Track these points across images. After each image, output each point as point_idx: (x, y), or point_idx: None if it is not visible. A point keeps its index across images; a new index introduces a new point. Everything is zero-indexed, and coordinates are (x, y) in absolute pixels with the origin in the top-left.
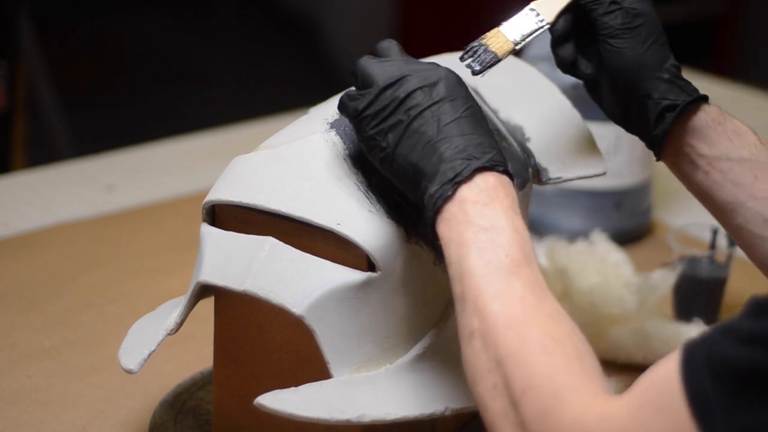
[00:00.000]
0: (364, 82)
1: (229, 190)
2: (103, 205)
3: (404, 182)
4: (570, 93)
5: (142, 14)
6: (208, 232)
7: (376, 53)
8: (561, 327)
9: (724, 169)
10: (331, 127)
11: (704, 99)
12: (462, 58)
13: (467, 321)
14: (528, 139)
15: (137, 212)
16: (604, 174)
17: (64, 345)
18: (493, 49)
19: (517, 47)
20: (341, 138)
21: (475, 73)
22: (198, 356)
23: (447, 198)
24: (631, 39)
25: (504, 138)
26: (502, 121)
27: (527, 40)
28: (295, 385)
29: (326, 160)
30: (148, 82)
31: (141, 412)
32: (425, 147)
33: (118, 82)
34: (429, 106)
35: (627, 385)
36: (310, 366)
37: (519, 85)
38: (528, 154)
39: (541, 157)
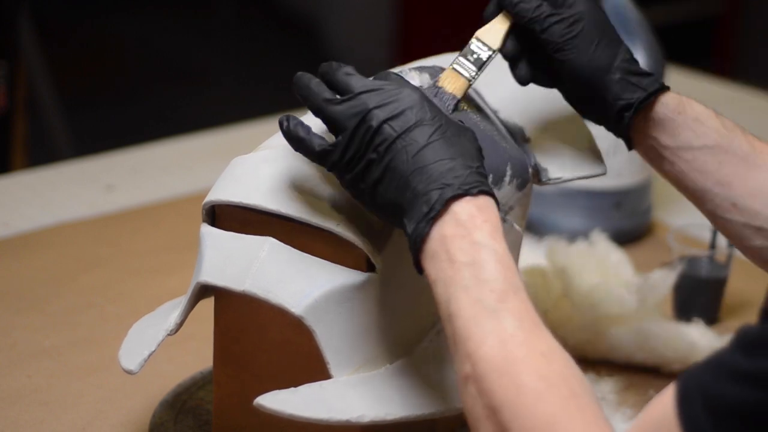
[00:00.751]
0: (332, 127)
1: (229, 190)
2: (103, 205)
3: (389, 218)
4: None
5: (142, 14)
6: (208, 232)
7: (328, 79)
8: (554, 365)
9: (689, 158)
10: None
11: (661, 90)
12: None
13: (460, 365)
14: (528, 140)
15: (137, 212)
16: (604, 174)
17: (64, 345)
18: (450, 91)
19: (472, 82)
20: None
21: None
22: (198, 356)
23: (425, 236)
24: (574, 49)
25: (504, 138)
26: (502, 122)
27: (480, 71)
28: (295, 386)
29: None
30: (148, 82)
31: (141, 412)
32: (399, 183)
33: (118, 82)
34: (396, 139)
35: (627, 385)
36: (309, 366)
37: (519, 86)
38: (528, 154)
39: (541, 157)
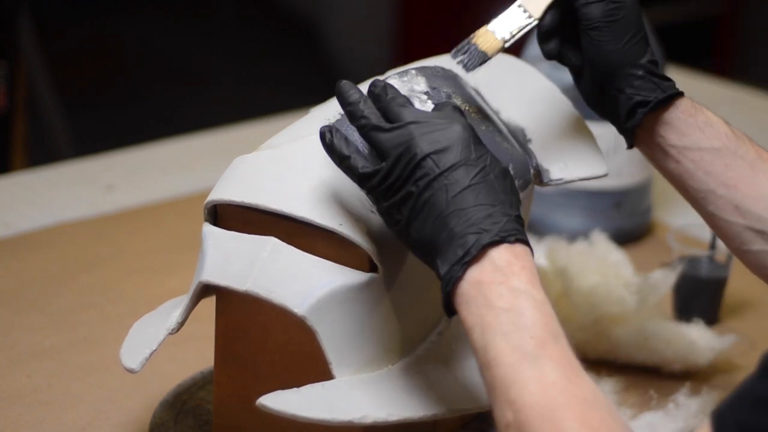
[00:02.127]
0: (378, 153)
1: (231, 189)
2: (103, 205)
3: (420, 255)
4: (570, 93)
5: (142, 14)
6: (210, 231)
7: (380, 105)
8: (597, 412)
9: (695, 158)
10: None
11: (679, 95)
12: (453, 57)
13: (501, 413)
14: (529, 140)
15: (137, 212)
16: (605, 175)
17: (64, 345)
18: (483, 48)
19: (506, 45)
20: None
21: (467, 71)
22: (198, 356)
23: (457, 279)
24: (610, 32)
25: (505, 139)
26: (503, 122)
27: (516, 37)
28: (297, 386)
29: (328, 160)
30: (148, 82)
31: (141, 412)
32: (435, 221)
33: (118, 82)
34: (438, 176)
35: (627, 385)
36: (312, 367)
37: (520, 86)
38: (529, 155)
39: (543, 158)
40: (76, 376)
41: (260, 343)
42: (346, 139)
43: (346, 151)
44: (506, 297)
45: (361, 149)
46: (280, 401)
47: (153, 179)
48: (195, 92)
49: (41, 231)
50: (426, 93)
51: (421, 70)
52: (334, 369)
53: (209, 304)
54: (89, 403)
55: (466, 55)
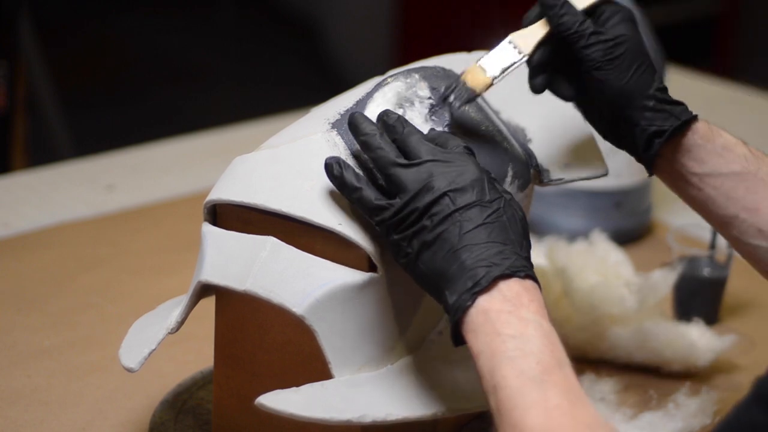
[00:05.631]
0: (393, 188)
1: (231, 189)
2: (103, 205)
3: (428, 287)
4: None
5: (142, 14)
6: (210, 231)
7: (396, 138)
8: None
9: (716, 184)
10: (333, 127)
11: (693, 119)
12: (444, 95)
13: None
14: (530, 141)
15: (137, 212)
16: (605, 175)
17: (64, 345)
18: (472, 86)
19: (496, 82)
20: (342, 138)
21: (455, 109)
22: (198, 356)
23: (466, 308)
24: (614, 70)
25: (506, 139)
26: (504, 122)
27: (505, 74)
28: (296, 386)
29: None
30: (148, 82)
31: (141, 412)
32: (447, 254)
33: (118, 82)
34: (452, 212)
35: (627, 385)
36: (311, 366)
37: (521, 87)
38: (529, 155)
39: (543, 158)
40: (76, 376)
41: (259, 343)
42: (354, 170)
43: (356, 183)
44: (514, 325)
45: (359, 172)
46: (278, 400)
47: (153, 179)
48: (195, 92)
49: (41, 231)
50: (429, 98)
51: (422, 70)
52: (333, 369)
53: (209, 304)
54: (89, 403)
55: (455, 92)
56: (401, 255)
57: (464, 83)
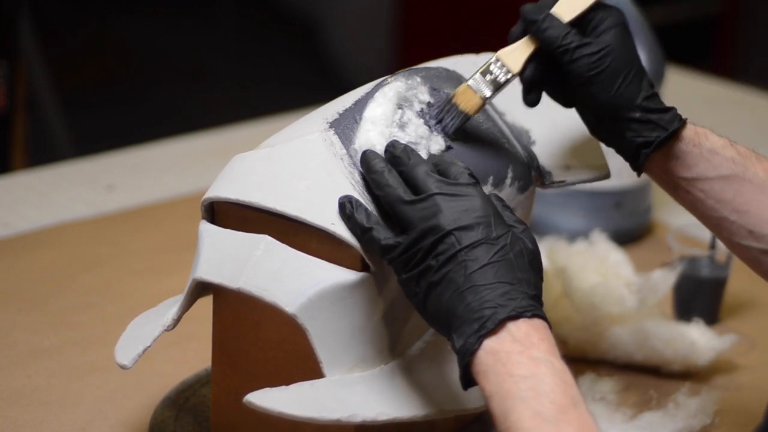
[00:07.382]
0: (401, 224)
1: (227, 187)
2: (103, 205)
3: (437, 328)
4: None
5: (142, 14)
6: (207, 229)
7: (403, 170)
8: None
9: (705, 188)
10: (330, 126)
11: (681, 127)
12: (437, 119)
13: None
14: (533, 143)
15: (137, 212)
16: (607, 178)
17: (64, 345)
18: (464, 108)
19: (486, 102)
20: (339, 137)
21: (449, 133)
22: (199, 356)
23: (474, 351)
24: (600, 84)
25: (507, 140)
26: (508, 124)
27: (496, 93)
28: (289, 384)
29: (323, 159)
30: (148, 82)
31: (141, 412)
32: (452, 295)
33: (118, 82)
34: (458, 252)
35: (627, 385)
36: (304, 365)
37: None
38: (532, 157)
39: (545, 160)
40: (75, 376)
41: (253, 341)
42: (366, 210)
43: (366, 223)
44: (526, 365)
45: (371, 209)
46: (267, 399)
47: (153, 179)
48: (195, 92)
49: (41, 231)
50: (428, 103)
51: (424, 71)
52: (325, 368)
53: (209, 303)
54: (89, 403)
55: (447, 115)
56: (411, 294)
57: (456, 106)
